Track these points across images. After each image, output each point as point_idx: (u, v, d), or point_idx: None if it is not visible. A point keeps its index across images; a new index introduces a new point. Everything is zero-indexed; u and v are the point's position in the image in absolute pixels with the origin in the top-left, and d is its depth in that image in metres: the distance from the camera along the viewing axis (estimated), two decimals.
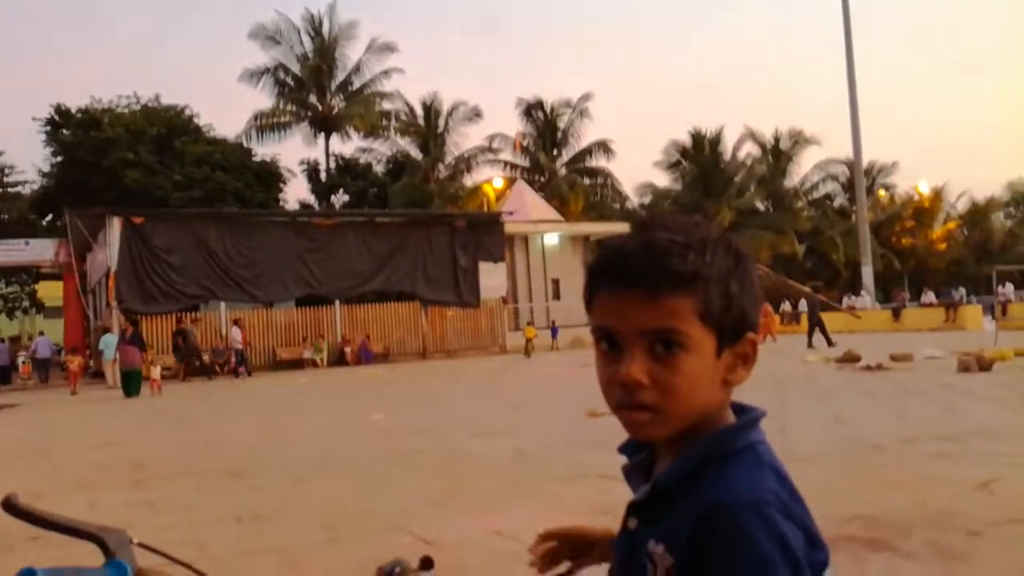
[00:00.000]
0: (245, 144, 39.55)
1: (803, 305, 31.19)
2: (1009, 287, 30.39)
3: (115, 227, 22.96)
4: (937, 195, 50.03)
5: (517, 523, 4.55)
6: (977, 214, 51.42)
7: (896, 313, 31.66)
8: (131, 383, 16.52)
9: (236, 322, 23.53)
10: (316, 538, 4.53)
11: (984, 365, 12.21)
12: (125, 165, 32.67)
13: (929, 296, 36.30)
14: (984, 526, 4.00)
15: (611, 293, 0.88)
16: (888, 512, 4.38)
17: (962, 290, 38.16)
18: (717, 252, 0.88)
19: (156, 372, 17.23)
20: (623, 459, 1.01)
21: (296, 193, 51.43)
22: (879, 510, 4.43)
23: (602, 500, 4.65)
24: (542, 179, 44.12)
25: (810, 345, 20.97)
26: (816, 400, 9.78)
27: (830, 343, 20.76)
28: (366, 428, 9.62)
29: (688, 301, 0.86)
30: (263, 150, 40.47)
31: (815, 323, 22.62)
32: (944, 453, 6.03)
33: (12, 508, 0.92)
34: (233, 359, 23.06)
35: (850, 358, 15.00)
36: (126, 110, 36.73)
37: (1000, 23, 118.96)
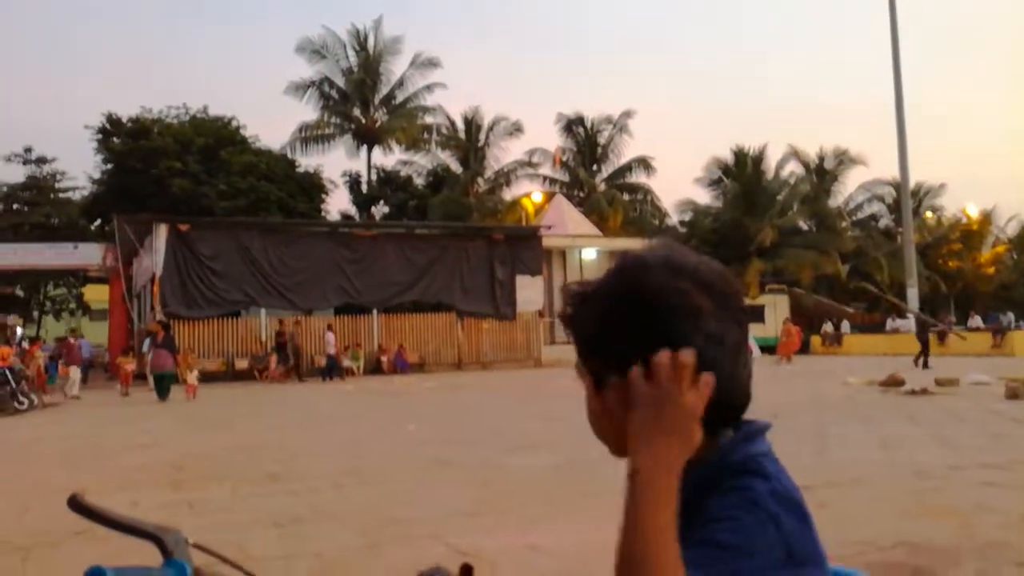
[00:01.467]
0: (289, 155, 40.22)
1: (909, 325, 30.79)
2: None
3: (161, 234, 23.46)
4: (986, 218, 48.91)
5: (552, 538, 4.52)
6: None
7: (942, 337, 30.94)
8: (162, 386, 16.41)
9: (330, 327, 24.42)
10: (353, 544, 4.55)
11: None
12: (172, 174, 33.40)
13: (976, 320, 35.44)
14: None
15: None
16: (934, 540, 4.27)
17: (1010, 315, 37.21)
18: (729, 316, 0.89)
19: (192, 377, 17.20)
20: None
21: (338, 204, 52.08)
22: (925, 538, 4.32)
23: None
24: (581, 194, 44.07)
25: (926, 366, 20.66)
26: (859, 424, 9.59)
27: (927, 365, 20.50)
28: (401, 437, 9.66)
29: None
30: (307, 161, 41.10)
31: (925, 342, 22.31)
32: (992, 481, 5.87)
33: (78, 505, 0.94)
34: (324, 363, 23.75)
35: (894, 382, 14.68)
36: (175, 120, 37.61)
37: None
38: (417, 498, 5.89)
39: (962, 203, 50.48)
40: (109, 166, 36.58)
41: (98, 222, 38.11)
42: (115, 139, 36.19)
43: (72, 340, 20.37)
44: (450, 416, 12.43)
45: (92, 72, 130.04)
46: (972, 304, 44.17)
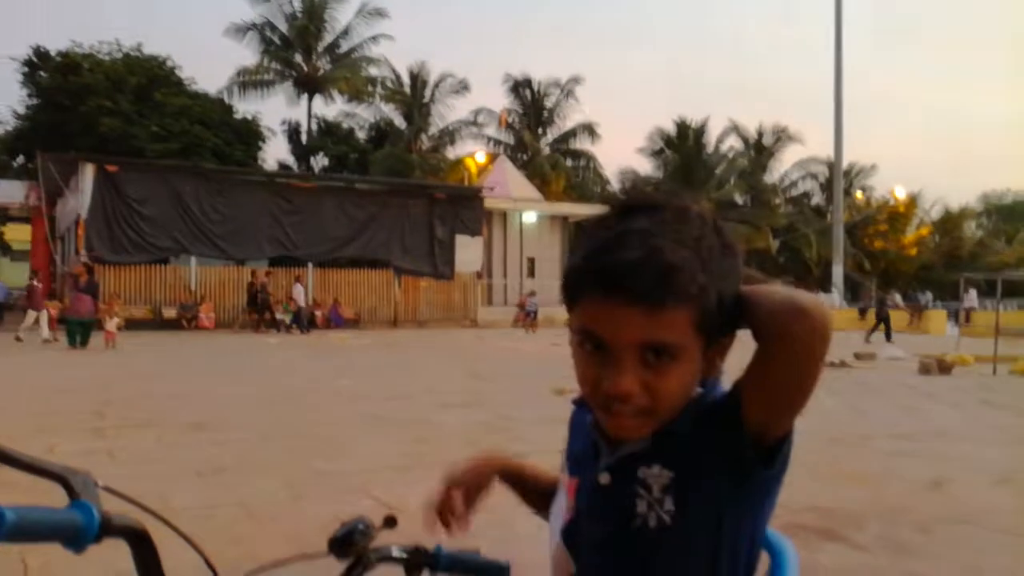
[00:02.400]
0: (226, 100, 38.93)
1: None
2: (973, 294, 30.92)
3: (88, 174, 22.53)
4: (912, 201, 50.61)
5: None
6: (949, 222, 52.12)
7: (862, 313, 32.11)
8: (78, 333, 15.50)
9: (298, 279, 24.19)
10: (279, 495, 4.53)
11: (945, 368, 12.47)
12: (102, 112, 32.00)
13: (896, 299, 36.83)
14: (934, 523, 4.11)
15: (604, 303, 0.84)
16: (843, 504, 4.48)
17: (929, 295, 38.80)
18: (714, 255, 0.86)
19: (112, 324, 16.26)
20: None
21: (275, 153, 50.94)
22: (834, 502, 4.52)
23: None
24: (525, 157, 43.94)
25: (888, 339, 21.14)
26: None
27: (888, 338, 21.10)
28: (333, 392, 9.60)
29: (686, 314, 0.83)
30: (244, 107, 39.90)
31: (882, 319, 22.84)
32: (901, 451, 6.16)
33: None
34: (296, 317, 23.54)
35: None
36: (107, 57, 35.89)
37: (1000, 33, 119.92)
38: (346, 452, 5.89)
39: (891, 185, 51.99)
40: (35, 101, 34.86)
41: (21, 159, 36.38)
42: (42, 73, 34.44)
43: (35, 284, 19.30)
44: (384, 373, 12.40)
45: (18, 1, 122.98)
46: (894, 284, 45.84)
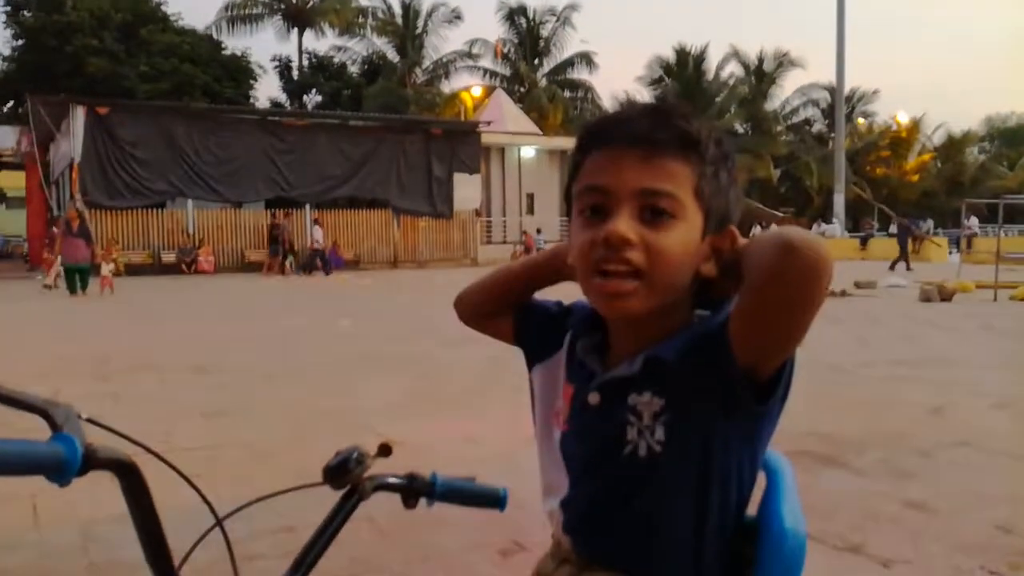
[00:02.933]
0: (215, 36, 38.19)
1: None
2: (975, 221, 30.80)
3: (79, 117, 22.20)
4: (915, 126, 50.01)
5: (485, 428, 4.62)
6: (952, 147, 51.61)
7: (864, 242, 32.07)
8: (76, 279, 15.28)
9: (316, 221, 24.14)
10: (282, 434, 4.56)
11: (945, 296, 12.48)
12: (89, 52, 31.44)
13: (920, 225, 36.71)
14: (933, 447, 4.14)
15: (607, 152, 0.86)
16: (843, 431, 4.51)
17: (930, 222, 38.65)
18: (711, 139, 0.87)
19: (108, 269, 16.12)
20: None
21: (267, 91, 50.21)
22: (835, 428, 4.56)
23: None
24: (522, 90, 43.25)
25: (908, 268, 21.17)
26: None
27: (908, 267, 21.20)
28: (334, 333, 9.63)
29: (687, 169, 0.84)
30: (233, 43, 39.22)
31: (903, 247, 22.81)
32: (901, 378, 6.20)
33: None
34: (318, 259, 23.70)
35: None
36: None
37: None
38: (349, 391, 5.92)
39: (894, 110, 51.39)
40: (20, 42, 34.16)
41: (10, 103, 35.87)
42: (25, 12, 33.64)
43: (55, 230, 19.15)
44: (385, 313, 12.43)
45: None
46: (895, 210, 45.64)
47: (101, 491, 3.05)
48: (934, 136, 52.16)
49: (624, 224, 0.83)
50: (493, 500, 1.11)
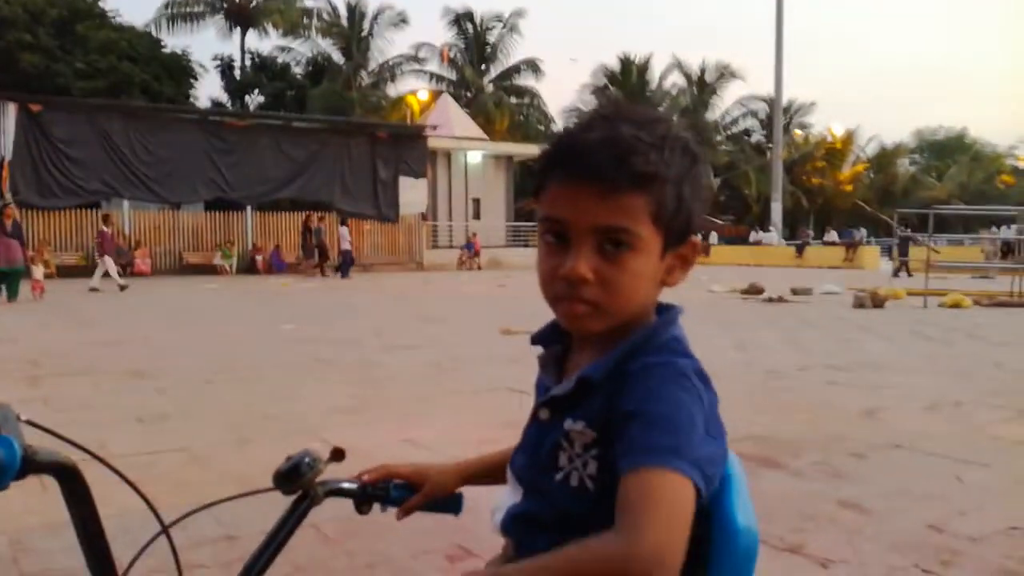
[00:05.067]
0: (154, 34, 37.17)
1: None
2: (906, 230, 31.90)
3: (10, 113, 21.36)
4: (849, 137, 51.59)
5: (429, 433, 4.60)
6: (884, 158, 53.38)
7: (800, 249, 32.92)
8: (10, 283, 14.22)
9: (344, 223, 24.04)
10: (224, 439, 4.47)
11: (878, 302, 12.89)
12: (22, 47, 30.27)
13: (832, 235, 37.83)
14: (868, 449, 4.27)
15: (566, 185, 0.86)
16: (781, 433, 4.62)
17: (863, 230, 39.86)
18: (675, 152, 0.87)
19: (39, 272, 15.38)
20: (533, 371, 1.02)
21: (208, 91, 49.08)
22: (772, 431, 4.67)
23: (511, 412, 4.73)
24: (468, 95, 43.23)
25: (908, 275, 21.28)
26: (719, 328, 10.14)
27: (909, 274, 21.23)
28: (278, 336, 9.47)
29: (643, 201, 0.85)
30: (174, 42, 38.18)
31: (904, 254, 23.00)
32: (836, 381, 6.38)
33: None
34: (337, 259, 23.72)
35: (753, 290, 15.58)
36: None
37: None
38: (293, 395, 5.83)
39: (829, 122, 52.90)
40: None
41: None
42: None
43: (105, 229, 18.54)
44: (329, 317, 12.27)
45: None
46: (829, 220, 46.98)
47: (32, 499, 2.94)
48: (867, 147, 53.90)
49: (583, 263, 0.85)
50: (450, 504, 1.11)
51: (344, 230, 23.91)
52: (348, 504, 1.08)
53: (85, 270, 22.10)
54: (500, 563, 1.02)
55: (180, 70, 35.47)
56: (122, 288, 16.73)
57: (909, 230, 24.18)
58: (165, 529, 0.89)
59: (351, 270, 23.35)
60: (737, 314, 12.07)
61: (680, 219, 0.88)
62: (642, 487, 0.78)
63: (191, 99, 36.59)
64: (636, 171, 0.84)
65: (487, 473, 1.14)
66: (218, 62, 40.21)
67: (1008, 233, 23.73)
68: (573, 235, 0.86)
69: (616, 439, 0.84)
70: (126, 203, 23.61)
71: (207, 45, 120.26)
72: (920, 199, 44.34)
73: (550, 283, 0.89)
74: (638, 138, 0.85)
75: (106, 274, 17.26)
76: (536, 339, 1.01)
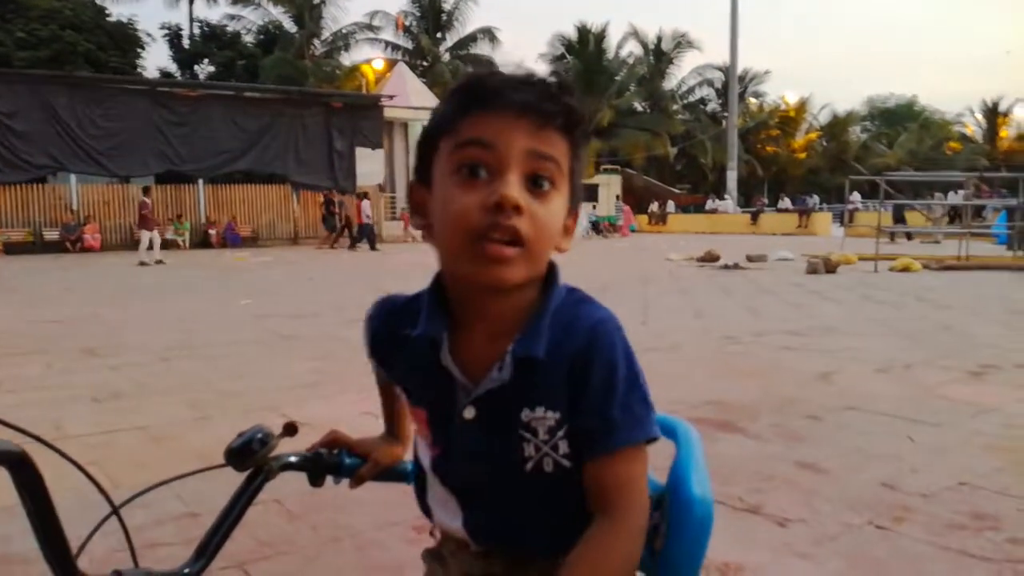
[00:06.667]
0: (98, 1, 35.91)
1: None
2: (857, 196, 32.53)
3: None
4: (802, 106, 52.21)
5: None
6: (836, 127, 54.15)
7: (755, 217, 33.37)
8: None
9: (365, 195, 23.57)
10: (182, 417, 4.41)
11: (830, 268, 13.15)
12: None
13: (786, 202, 38.41)
14: (823, 411, 4.38)
15: (493, 115, 0.80)
16: (738, 398, 4.71)
17: (816, 198, 40.51)
18: (584, 119, 0.87)
19: None
20: None
21: (156, 60, 47.71)
22: (730, 396, 4.75)
23: None
24: (424, 64, 42.67)
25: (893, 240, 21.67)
26: (677, 296, 10.27)
27: (893, 239, 21.65)
28: (234, 312, 9.34)
29: (565, 147, 0.83)
30: (119, 10, 36.98)
31: (900, 220, 23.42)
32: (791, 346, 6.51)
33: None
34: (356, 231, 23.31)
35: (710, 258, 15.77)
36: None
37: None
38: (251, 371, 5.76)
39: (783, 91, 53.43)
40: None
41: None
42: None
43: (147, 201, 18.17)
44: (287, 291, 12.14)
45: None
46: (783, 187, 47.64)
47: None
48: (820, 115, 54.61)
49: (516, 189, 0.79)
50: (402, 475, 1.11)
51: (366, 203, 23.33)
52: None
53: (33, 246, 21.53)
54: (460, 556, 0.98)
55: (126, 39, 34.42)
56: (158, 262, 16.96)
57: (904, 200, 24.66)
58: (116, 510, 0.87)
59: (370, 241, 22.94)
60: (694, 281, 12.21)
61: (578, 182, 0.87)
62: (627, 468, 0.84)
63: (138, 69, 35.56)
64: (569, 107, 0.82)
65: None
66: (166, 31, 39.17)
67: (955, 198, 24.31)
68: (500, 162, 0.79)
69: (587, 413, 0.83)
70: (73, 177, 22.96)
71: (154, 13, 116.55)
72: (872, 166, 45.16)
73: (468, 219, 0.79)
74: (561, 84, 0.83)
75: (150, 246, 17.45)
76: (423, 332, 0.90)
